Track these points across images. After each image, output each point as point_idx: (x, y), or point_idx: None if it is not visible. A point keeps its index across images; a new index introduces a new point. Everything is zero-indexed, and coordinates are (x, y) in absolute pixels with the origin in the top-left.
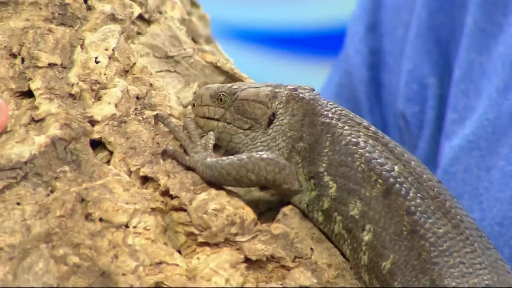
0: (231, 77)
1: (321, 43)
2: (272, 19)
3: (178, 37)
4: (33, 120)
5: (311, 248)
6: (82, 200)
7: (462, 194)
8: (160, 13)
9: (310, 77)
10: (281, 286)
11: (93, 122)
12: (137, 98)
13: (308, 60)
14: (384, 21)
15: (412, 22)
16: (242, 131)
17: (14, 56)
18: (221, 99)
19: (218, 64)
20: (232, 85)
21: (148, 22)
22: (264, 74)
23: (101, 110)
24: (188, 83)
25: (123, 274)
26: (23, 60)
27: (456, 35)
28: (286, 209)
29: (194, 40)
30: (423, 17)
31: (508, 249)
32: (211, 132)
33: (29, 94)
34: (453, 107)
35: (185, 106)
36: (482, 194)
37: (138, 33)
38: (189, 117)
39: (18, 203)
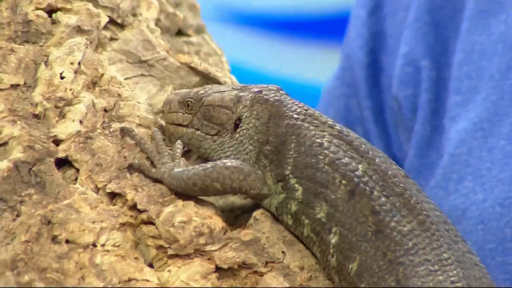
0: (206, 77)
1: (328, 27)
2: (277, 3)
3: (150, 41)
4: None
5: (283, 252)
6: (48, 222)
7: (466, 175)
8: (135, 15)
9: (318, 62)
10: None
11: (57, 141)
12: (105, 110)
13: (315, 45)
14: (386, 4)
15: (411, 5)
16: (210, 136)
17: None
18: (188, 105)
19: (192, 64)
20: (198, 90)
21: (122, 26)
22: (269, 60)
23: (66, 128)
24: (163, 86)
25: None
26: None
27: (455, 18)
28: (257, 214)
29: (182, 31)
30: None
31: (509, 229)
32: (179, 141)
33: None
34: (456, 89)
35: (158, 112)
36: (484, 175)
37: (112, 39)
38: (156, 127)
39: None
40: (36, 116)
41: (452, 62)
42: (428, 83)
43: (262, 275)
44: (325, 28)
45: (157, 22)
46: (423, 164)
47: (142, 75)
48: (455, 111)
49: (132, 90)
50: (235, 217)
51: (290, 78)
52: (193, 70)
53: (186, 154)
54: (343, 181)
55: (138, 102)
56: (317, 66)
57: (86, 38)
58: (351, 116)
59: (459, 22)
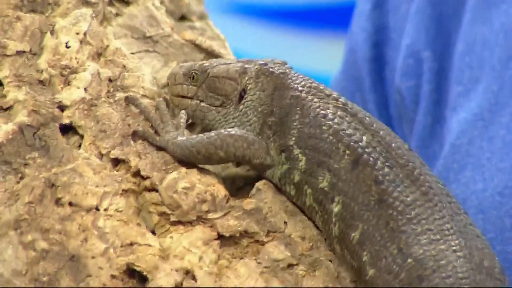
0: (210, 54)
1: (333, 16)
2: None
3: (155, 17)
4: (2, 109)
5: (285, 222)
6: (52, 185)
7: (466, 165)
8: None
9: (323, 53)
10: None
11: (62, 107)
12: (110, 80)
13: (320, 35)
14: None
15: None
16: (214, 108)
17: None
18: (193, 77)
19: (197, 42)
20: (203, 63)
21: (127, 3)
22: (273, 50)
23: (70, 94)
24: (167, 62)
25: (92, 257)
26: None
27: (458, 9)
28: (259, 184)
29: (185, 17)
30: None
31: (509, 219)
32: (183, 111)
33: None
34: (457, 80)
35: (163, 87)
36: (484, 165)
37: (117, 15)
38: (161, 98)
39: None
40: (41, 82)
41: (453, 53)
42: (429, 74)
43: (264, 244)
44: (330, 18)
45: (161, 3)
46: (425, 155)
47: (147, 50)
48: (457, 101)
49: (137, 63)
50: (237, 189)
51: (296, 69)
52: (198, 47)
53: (189, 127)
54: (347, 151)
55: (143, 74)
56: (322, 57)
57: (92, 10)
58: None
59: (461, 14)
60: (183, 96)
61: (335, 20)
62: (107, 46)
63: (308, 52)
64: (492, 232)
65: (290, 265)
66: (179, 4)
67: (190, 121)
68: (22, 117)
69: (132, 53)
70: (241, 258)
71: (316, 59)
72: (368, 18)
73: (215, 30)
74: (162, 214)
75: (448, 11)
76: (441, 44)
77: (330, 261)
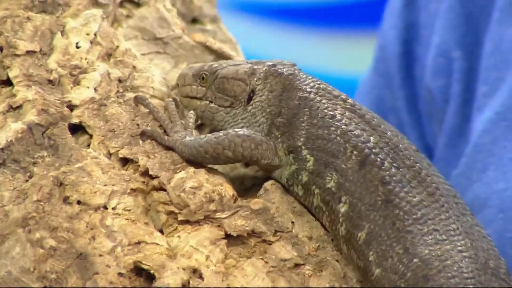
0: (220, 56)
1: (361, 13)
2: None
3: (166, 19)
4: (11, 108)
5: (292, 222)
6: (60, 184)
7: (489, 165)
8: None
9: (349, 53)
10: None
11: (71, 107)
12: (119, 80)
13: (345, 35)
14: None
15: None
16: (223, 108)
17: None
18: (203, 78)
19: (207, 44)
20: (213, 64)
21: (138, 4)
22: (295, 53)
23: (80, 94)
24: (177, 64)
25: (100, 255)
26: (1, 49)
27: (487, 9)
28: (267, 184)
29: (197, 19)
30: None
31: None
32: (192, 111)
33: (8, 82)
34: (484, 80)
35: (173, 88)
36: (506, 165)
37: (128, 16)
38: (170, 98)
39: None
40: (50, 82)
41: (482, 52)
42: (459, 74)
43: (271, 244)
44: (354, 17)
45: (173, 5)
46: (452, 154)
47: (157, 52)
48: (482, 101)
49: (147, 64)
50: (245, 190)
51: (319, 70)
52: (208, 49)
53: (198, 128)
54: (355, 152)
55: (153, 75)
56: (347, 57)
57: (102, 11)
58: (385, 106)
59: (490, 13)
60: (192, 97)
61: (361, 18)
62: (117, 47)
63: (333, 52)
64: (511, 231)
65: (296, 265)
66: (191, 7)
67: (199, 121)
68: (31, 116)
69: (143, 55)
70: (248, 258)
71: (341, 59)
72: (399, 15)
73: (227, 34)
74: (170, 213)
75: (477, 10)
76: (470, 44)
77: (337, 261)
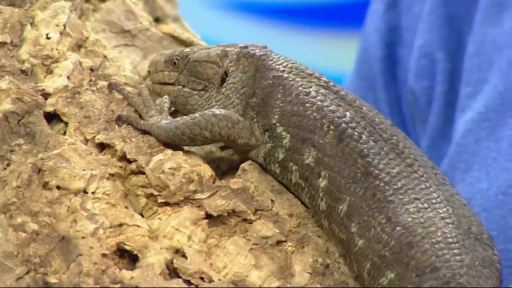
0: (190, 46)
1: (338, 14)
2: None
3: (133, 11)
4: None
5: (272, 200)
6: (39, 170)
7: (472, 165)
8: None
9: (336, 51)
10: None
11: (46, 95)
12: (91, 69)
13: (332, 33)
14: None
15: None
16: (196, 92)
17: None
18: (174, 63)
19: (175, 34)
20: (184, 49)
21: None
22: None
23: (53, 82)
24: (146, 56)
25: (83, 237)
26: None
27: (470, 10)
28: (245, 165)
29: (160, 19)
30: None
31: (511, 217)
32: (166, 96)
33: None
34: (466, 81)
35: (144, 79)
36: (489, 165)
37: (93, 11)
38: (143, 84)
39: None
40: (23, 72)
41: (465, 54)
42: (442, 75)
43: (251, 223)
44: (340, 16)
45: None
46: (436, 155)
47: (126, 44)
48: (465, 102)
49: (117, 54)
50: (222, 174)
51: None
52: (176, 39)
53: (171, 115)
54: (331, 127)
55: (123, 64)
56: (333, 55)
57: (70, 3)
58: None
59: (472, 15)
60: (164, 83)
61: (346, 18)
62: (87, 37)
63: (319, 50)
64: (495, 230)
65: (279, 242)
66: (154, 7)
67: (173, 108)
68: (6, 105)
69: (112, 47)
70: (230, 237)
71: (328, 57)
72: (381, 18)
73: (190, 31)
74: (149, 196)
75: (460, 12)
76: (453, 45)
77: (319, 236)
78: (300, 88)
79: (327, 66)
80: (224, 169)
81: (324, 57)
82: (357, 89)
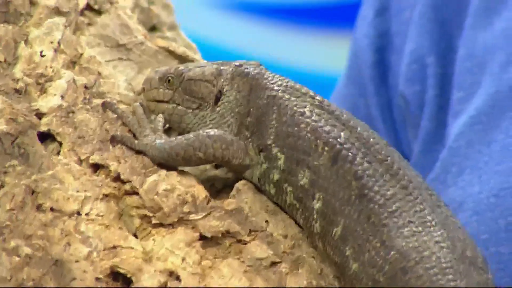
0: (184, 60)
1: (335, 14)
2: None
3: (128, 25)
4: None
5: (266, 221)
6: (33, 192)
7: (464, 169)
8: (111, 3)
9: (331, 52)
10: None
11: (40, 115)
12: (85, 87)
13: (323, 33)
14: (392, 4)
15: (417, 3)
16: (191, 111)
17: None
18: (169, 81)
19: (170, 48)
20: (178, 66)
21: (99, 12)
22: (275, 49)
23: (47, 102)
24: (141, 70)
25: (76, 261)
26: None
27: (460, 14)
28: (239, 185)
29: (156, 27)
30: None
31: (503, 220)
32: (160, 115)
33: None
34: (458, 85)
35: (138, 94)
36: (481, 168)
37: (89, 24)
38: (138, 102)
39: None
40: (17, 91)
41: (456, 58)
42: (434, 80)
43: (246, 244)
44: (335, 16)
45: (132, 13)
46: (428, 160)
47: (120, 58)
48: (457, 106)
49: (111, 70)
50: (217, 192)
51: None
52: (171, 53)
53: (166, 133)
54: (326, 148)
55: (118, 80)
56: (328, 56)
57: (65, 19)
58: (359, 114)
59: (463, 19)
60: (159, 101)
61: (346, 18)
62: (81, 54)
63: (319, 50)
64: (486, 233)
65: (273, 263)
66: (149, 15)
67: (167, 126)
68: (0, 126)
69: (106, 62)
70: (224, 258)
71: (328, 57)
72: (371, 24)
73: (186, 40)
74: (143, 217)
75: (451, 16)
76: (444, 49)
77: (313, 258)
78: (295, 108)
79: (327, 66)
80: (219, 187)
81: (324, 57)
82: (348, 94)
